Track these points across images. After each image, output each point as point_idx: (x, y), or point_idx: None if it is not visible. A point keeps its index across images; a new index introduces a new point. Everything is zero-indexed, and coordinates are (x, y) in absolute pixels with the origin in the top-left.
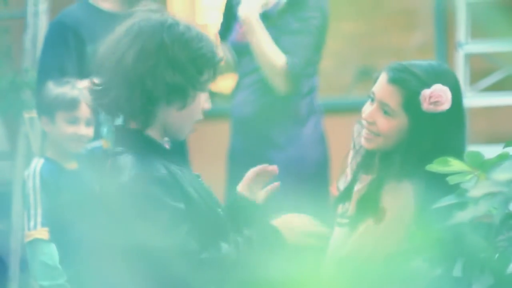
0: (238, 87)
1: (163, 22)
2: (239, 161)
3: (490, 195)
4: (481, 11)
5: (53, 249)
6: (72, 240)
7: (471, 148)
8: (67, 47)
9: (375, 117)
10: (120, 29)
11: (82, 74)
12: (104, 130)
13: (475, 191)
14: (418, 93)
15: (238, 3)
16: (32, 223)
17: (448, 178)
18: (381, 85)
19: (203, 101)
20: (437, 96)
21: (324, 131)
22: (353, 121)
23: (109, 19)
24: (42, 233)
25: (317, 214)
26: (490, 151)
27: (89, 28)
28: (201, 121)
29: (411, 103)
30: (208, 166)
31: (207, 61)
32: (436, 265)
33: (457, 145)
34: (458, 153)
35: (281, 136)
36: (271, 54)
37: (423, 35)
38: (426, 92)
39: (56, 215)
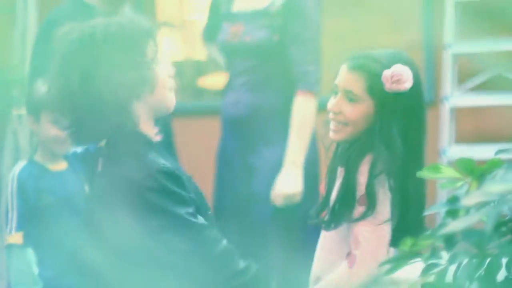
0: (229, 87)
1: (85, 33)
2: (229, 161)
3: (482, 204)
4: (469, 11)
5: (28, 254)
6: (52, 243)
7: (458, 147)
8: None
9: (341, 106)
10: (56, 53)
11: None
12: None
13: (467, 201)
14: (379, 75)
15: (224, 3)
16: (8, 228)
17: (439, 185)
18: (343, 75)
19: (165, 67)
20: (398, 75)
21: (315, 131)
22: None
23: (100, 16)
24: (16, 238)
25: (308, 211)
26: (477, 151)
27: None
28: (190, 118)
29: (374, 85)
30: (196, 163)
31: (142, 39)
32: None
33: (421, 125)
34: (421, 134)
35: (273, 136)
36: (312, 121)
37: (411, 35)
38: (387, 72)
39: (33, 218)
